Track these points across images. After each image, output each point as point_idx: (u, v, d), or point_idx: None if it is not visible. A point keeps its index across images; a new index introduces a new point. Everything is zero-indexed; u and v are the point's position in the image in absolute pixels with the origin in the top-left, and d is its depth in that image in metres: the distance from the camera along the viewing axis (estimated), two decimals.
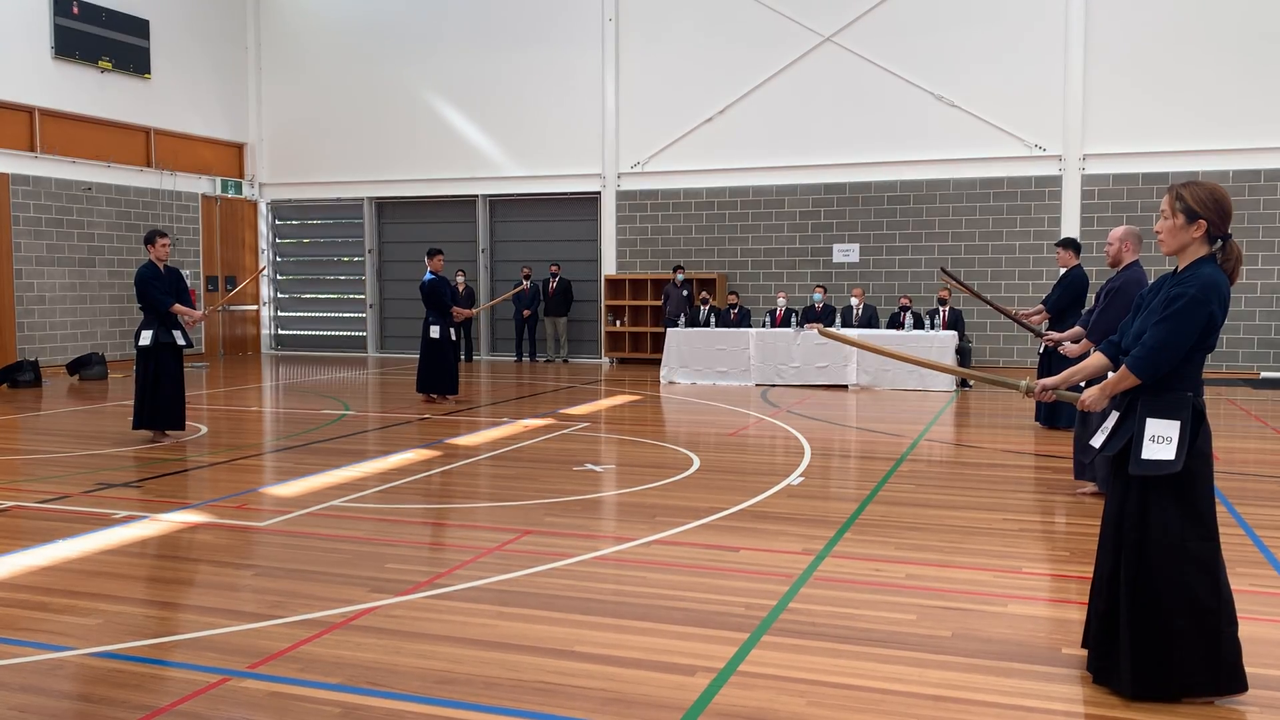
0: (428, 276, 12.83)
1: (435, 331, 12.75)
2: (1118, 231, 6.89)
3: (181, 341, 9.65)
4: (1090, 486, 7.25)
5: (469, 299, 19.54)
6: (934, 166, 17.19)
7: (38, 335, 16.73)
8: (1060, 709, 3.68)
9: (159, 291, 9.45)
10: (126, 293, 18.25)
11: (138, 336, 9.61)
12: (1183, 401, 3.65)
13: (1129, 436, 3.74)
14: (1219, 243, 3.67)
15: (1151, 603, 3.66)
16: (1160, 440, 3.63)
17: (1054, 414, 10.32)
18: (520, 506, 7.00)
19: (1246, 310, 15.95)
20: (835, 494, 7.49)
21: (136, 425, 9.63)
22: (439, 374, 12.77)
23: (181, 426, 9.78)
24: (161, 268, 9.57)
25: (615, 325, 18.92)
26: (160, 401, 9.53)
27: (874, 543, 5.98)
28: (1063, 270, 9.98)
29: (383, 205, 20.98)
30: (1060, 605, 4.90)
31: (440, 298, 12.76)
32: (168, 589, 5.15)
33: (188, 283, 18.73)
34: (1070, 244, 10.05)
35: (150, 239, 9.57)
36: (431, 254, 12.91)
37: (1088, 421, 6.96)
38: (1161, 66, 16.03)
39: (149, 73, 18.67)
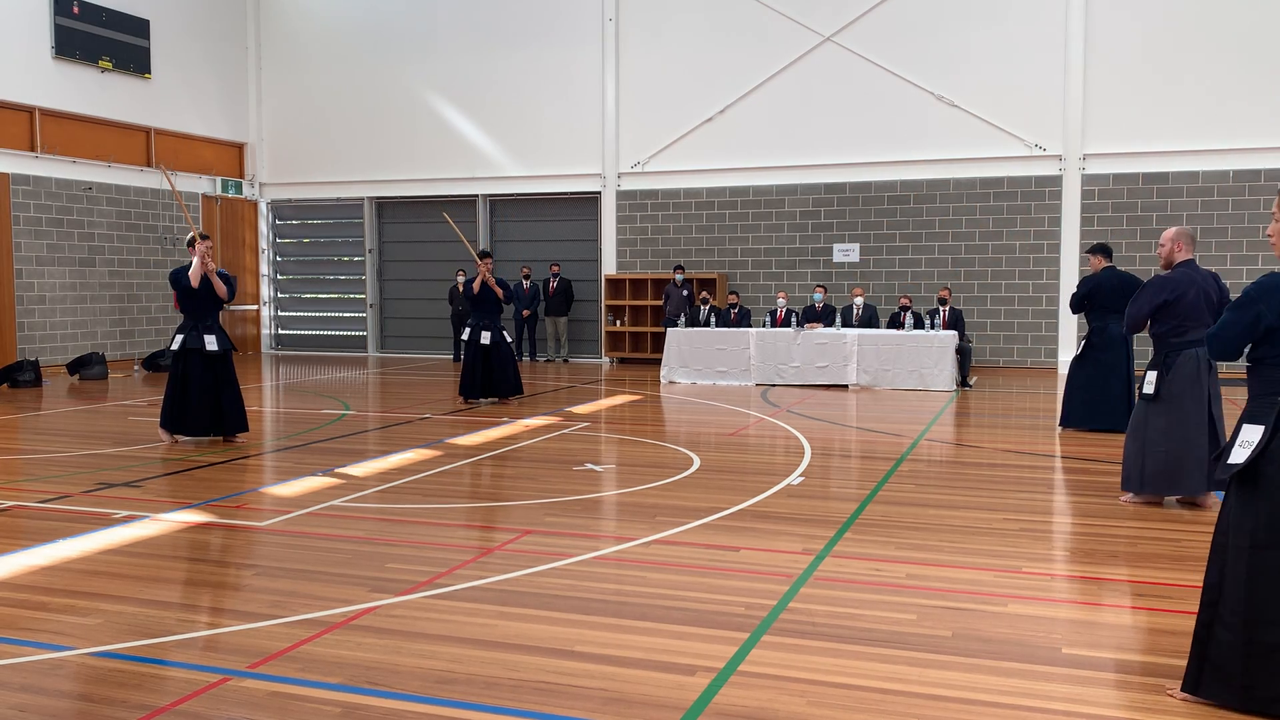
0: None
1: (465, 333, 12.81)
2: (1170, 232, 6.95)
3: (213, 346, 9.43)
4: (1129, 496, 7.05)
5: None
6: (934, 166, 17.19)
7: (38, 335, 16.73)
8: (1060, 709, 3.68)
9: (181, 273, 9.44)
10: (127, 293, 18.27)
11: (171, 341, 9.64)
12: (1270, 406, 3.60)
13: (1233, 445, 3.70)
14: None
15: (1229, 609, 3.57)
16: (1244, 445, 3.60)
17: (1090, 415, 10.16)
18: (520, 506, 7.00)
19: None
20: (835, 494, 7.49)
21: (162, 424, 9.59)
22: (464, 377, 12.71)
23: (237, 429, 9.63)
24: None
25: (615, 325, 18.92)
26: (187, 408, 9.41)
27: (874, 543, 5.98)
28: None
29: (383, 205, 20.98)
30: (1060, 605, 4.90)
31: (469, 291, 12.81)
32: (168, 589, 5.15)
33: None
34: (1099, 249, 10.09)
35: (190, 243, 9.54)
36: (482, 257, 12.90)
37: (1137, 434, 6.93)
38: (1161, 66, 16.03)
39: (149, 73, 18.67)
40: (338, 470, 8.19)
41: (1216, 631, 3.60)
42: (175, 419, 9.49)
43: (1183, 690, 3.71)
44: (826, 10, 17.51)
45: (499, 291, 12.69)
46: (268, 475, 8.20)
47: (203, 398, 9.43)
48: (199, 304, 9.48)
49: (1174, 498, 6.97)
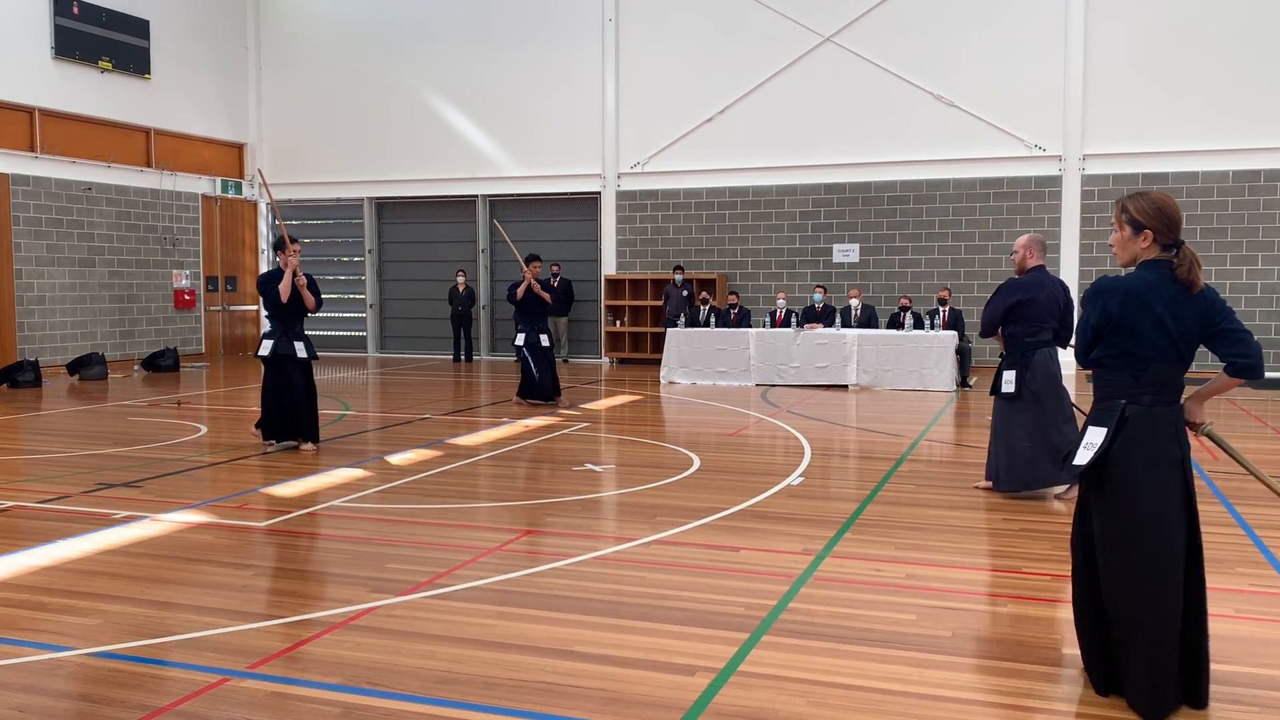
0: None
1: (520, 339, 12.61)
2: (1023, 240, 7.32)
3: (302, 354, 9.23)
4: (985, 484, 7.48)
5: (469, 299, 19.58)
6: (934, 166, 17.20)
7: (38, 335, 16.73)
8: (1060, 709, 3.68)
9: (274, 283, 9.25)
10: (127, 293, 18.28)
11: (259, 346, 9.45)
12: (1113, 409, 3.70)
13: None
14: (1174, 250, 3.70)
15: (1104, 608, 3.72)
16: (1088, 447, 3.73)
17: None
18: (520, 506, 7.00)
19: (1246, 310, 15.94)
20: (835, 494, 7.49)
21: (264, 433, 9.27)
22: (527, 381, 12.56)
23: (308, 438, 9.28)
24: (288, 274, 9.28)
25: (615, 325, 18.92)
26: (286, 412, 9.18)
27: (874, 543, 5.98)
28: None
29: (383, 205, 20.98)
30: (1060, 605, 4.89)
31: (512, 296, 12.67)
32: (168, 589, 5.15)
33: (187, 281, 18.74)
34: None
35: (278, 245, 9.37)
36: (529, 261, 12.63)
37: (999, 431, 7.31)
38: (1161, 66, 16.04)
39: (149, 73, 18.67)
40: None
41: (1149, 642, 3.66)
42: (279, 426, 9.22)
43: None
44: (826, 10, 17.52)
45: (546, 296, 12.50)
46: (268, 475, 8.20)
47: (295, 402, 9.16)
48: (288, 311, 9.27)
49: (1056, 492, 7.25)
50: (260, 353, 9.36)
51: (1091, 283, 3.76)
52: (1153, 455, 3.63)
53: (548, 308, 12.67)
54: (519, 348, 12.65)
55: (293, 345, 9.23)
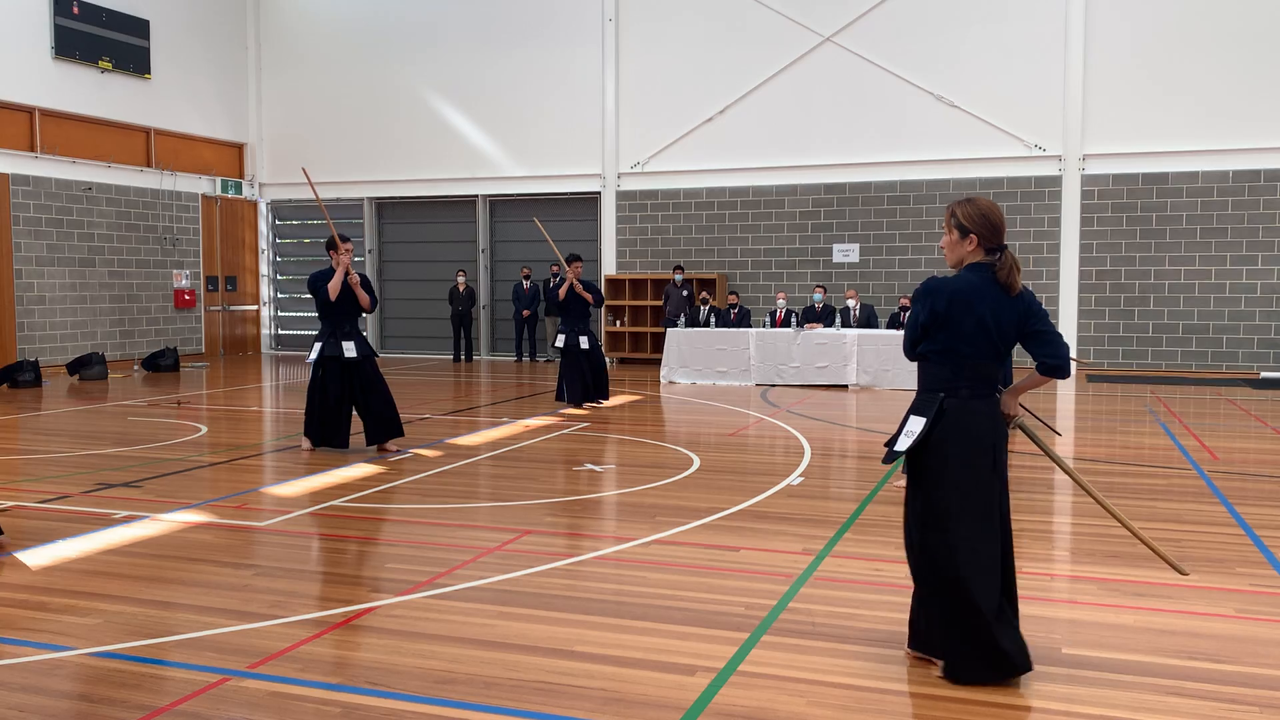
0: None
1: (560, 340, 12.55)
2: None
3: (351, 354, 9.01)
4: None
5: (469, 299, 19.59)
6: (934, 166, 17.20)
7: (38, 335, 16.73)
8: (1061, 709, 3.68)
9: (325, 281, 9.05)
10: (127, 293, 18.28)
11: (311, 348, 9.29)
12: (933, 401, 3.91)
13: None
14: (997, 254, 3.91)
15: (917, 587, 4.01)
16: (908, 435, 3.94)
17: None
18: (520, 506, 7.00)
19: (1246, 310, 15.95)
20: (835, 494, 7.49)
21: (306, 433, 9.20)
22: (571, 384, 12.51)
23: (344, 445, 9.11)
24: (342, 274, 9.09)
25: (615, 325, 18.93)
26: (325, 416, 9.06)
27: (874, 543, 5.98)
28: None
29: (383, 205, 20.99)
30: (1060, 605, 4.90)
31: (554, 296, 12.67)
32: (168, 589, 5.15)
33: (187, 281, 18.75)
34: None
35: (330, 245, 9.10)
36: (570, 261, 12.58)
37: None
38: (1162, 66, 16.04)
39: (149, 73, 18.68)
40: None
41: (975, 619, 3.87)
42: (317, 430, 9.12)
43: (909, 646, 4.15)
44: (826, 10, 17.52)
45: (588, 296, 12.45)
46: (268, 475, 8.20)
47: (339, 408, 9.05)
48: (338, 310, 9.09)
49: None
50: (309, 357, 9.24)
51: (920, 283, 3.98)
52: (966, 444, 3.86)
53: (589, 308, 12.61)
54: (560, 350, 12.59)
55: (340, 346, 9.04)
